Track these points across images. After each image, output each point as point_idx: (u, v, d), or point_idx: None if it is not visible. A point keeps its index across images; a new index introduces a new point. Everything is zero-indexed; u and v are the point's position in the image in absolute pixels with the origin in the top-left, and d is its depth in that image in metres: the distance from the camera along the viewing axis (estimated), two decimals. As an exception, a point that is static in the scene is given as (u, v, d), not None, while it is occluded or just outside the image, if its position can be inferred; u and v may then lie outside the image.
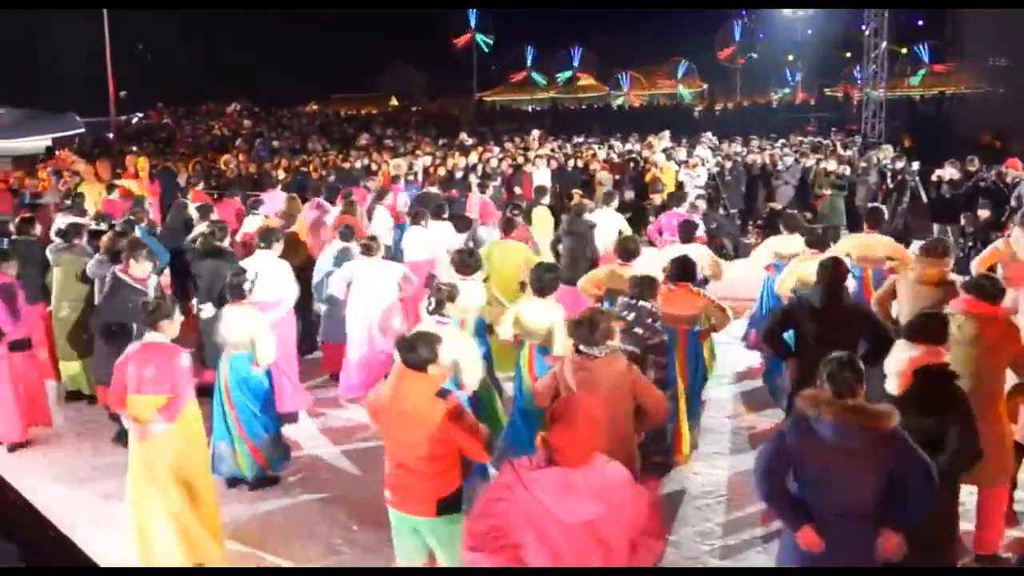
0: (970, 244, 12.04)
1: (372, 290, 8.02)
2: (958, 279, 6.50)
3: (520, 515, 3.26)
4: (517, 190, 16.01)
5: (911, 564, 3.97)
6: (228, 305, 6.51)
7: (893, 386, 4.54)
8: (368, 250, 8.11)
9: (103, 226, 9.53)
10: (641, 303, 6.04)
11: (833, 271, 6.05)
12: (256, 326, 6.41)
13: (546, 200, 11.52)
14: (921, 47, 40.47)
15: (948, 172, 13.16)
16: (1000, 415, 5.16)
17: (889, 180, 14.29)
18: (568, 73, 48.46)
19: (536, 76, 49.28)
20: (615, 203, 11.02)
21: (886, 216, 8.64)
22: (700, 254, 7.97)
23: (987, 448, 4.94)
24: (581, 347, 4.83)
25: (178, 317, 5.48)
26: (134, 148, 22.75)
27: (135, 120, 34.83)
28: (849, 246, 8.38)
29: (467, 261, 7.18)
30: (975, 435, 4.34)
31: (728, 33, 42.79)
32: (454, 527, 4.46)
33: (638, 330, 5.87)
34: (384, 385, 4.50)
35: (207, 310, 7.93)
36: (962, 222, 12.11)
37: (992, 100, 23.17)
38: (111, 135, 29.86)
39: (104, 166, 17.25)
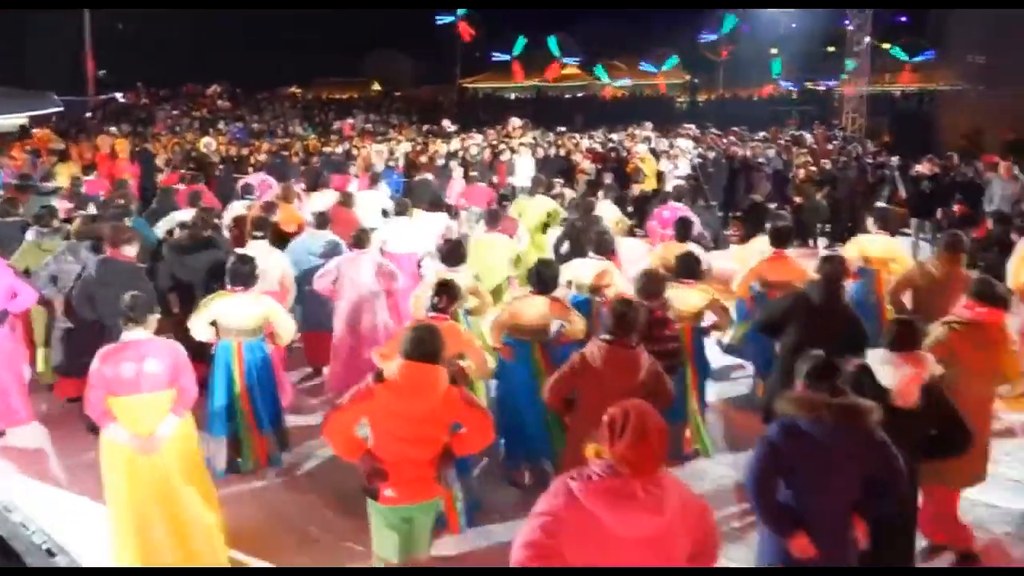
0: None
1: (361, 284, 7.92)
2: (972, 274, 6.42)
3: (573, 531, 3.01)
4: (495, 179, 15.97)
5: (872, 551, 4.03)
6: (234, 293, 6.34)
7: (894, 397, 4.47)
8: (360, 242, 8.02)
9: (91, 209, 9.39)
10: (652, 301, 5.88)
11: (832, 268, 6.00)
12: (271, 309, 6.39)
13: (540, 191, 11.40)
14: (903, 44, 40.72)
15: (926, 167, 13.27)
16: (987, 421, 5.21)
17: (869, 175, 14.38)
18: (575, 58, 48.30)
19: (519, 65, 49.11)
20: (612, 195, 11.02)
21: (891, 216, 8.55)
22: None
23: (972, 452, 4.93)
24: (616, 335, 4.91)
25: (157, 312, 5.28)
26: (112, 129, 22.46)
27: (112, 99, 34.32)
28: (858, 247, 8.28)
29: (456, 252, 7.13)
30: (970, 440, 4.40)
31: (716, 20, 42.75)
32: (431, 517, 4.53)
33: (652, 328, 5.67)
34: (383, 388, 4.19)
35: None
36: (939, 216, 12.22)
37: (971, 97, 23.34)
38: (88, 115, 29.48)
39: (87, 147, 17.09)
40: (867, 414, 3.75)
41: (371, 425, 4.28)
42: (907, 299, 6.88)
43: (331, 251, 8.48)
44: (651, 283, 5.99)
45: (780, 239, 7.55)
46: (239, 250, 7.35)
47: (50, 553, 5.34)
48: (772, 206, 14.27)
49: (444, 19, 45.23)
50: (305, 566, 5.38)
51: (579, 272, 7.51)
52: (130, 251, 7.07)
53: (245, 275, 6.37)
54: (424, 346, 4.25)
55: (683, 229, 8.16)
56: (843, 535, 3.83)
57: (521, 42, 48.32)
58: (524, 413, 6.13)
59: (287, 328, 6.50)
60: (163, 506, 4.92)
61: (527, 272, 6.57)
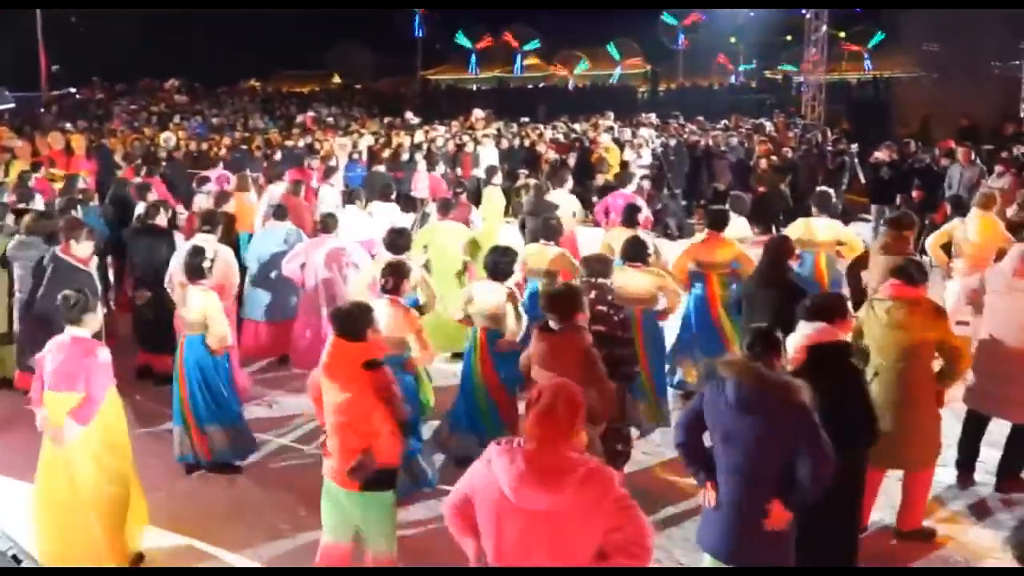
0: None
1: (323, 268, 8.04)
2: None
3: (480, 494, 3.16)
4: (459, 171, 15.95)
5: (815, 538, 4.12)
6: (189, 285, 6.36)
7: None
8: (326, 227, 8.14)
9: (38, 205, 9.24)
10: (600, 280, 5.89)
11: (776, 247, 6.31)
12: (209, 307, 6.28)
13: (497, 180, 11.46)
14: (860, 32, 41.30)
15: (885, 154, 13.51)
16: (930, 400, 5.27)
17: (829, 162, 14.59)
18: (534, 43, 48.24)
19: (476, 58, 49.06)
20: (568, 184, 11.06)
21: (833, 199, 8.74)
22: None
23: (917, 433, 5.20)
24: (547, 319, 4.98)
25: (100, 310, 5.28)
26: (67, 125, 22.04)
27: (68, 94, 33.67)
28: (797, 231, 8.44)
29: (397, 241, 7.17)
30: (869, 410, 4.42)
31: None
32: (383, 512, 4.48)
33: (602, 308, 5.74)
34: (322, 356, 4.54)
35: (141, 296, 7.86)
36: (898, 202, 12.44)
37: (926, 84, 23.78)
38: (43, 110, 28.91)
39: (41, 143, 16.79)
40: (782, 386, 3.82)
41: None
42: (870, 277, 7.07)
43: (293, 241, 8.52)
44: (597, 265, 6.03)
45: (715, 222, 7.74)
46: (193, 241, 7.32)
47: (16, 559, 5.24)
48: (735, 194, 14.47)
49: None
50: (274, 559, 5.36)
51: (533, 258, 7.66)
52: (81, 250, 6.98)
53: (194, 267, 6.36)
54: (346, 322, 4.43)
55: (630, 215, 8.29)
56: (750, 500, 3.91)
57: (483, 33, 48.30)
58: (464, 395, 6.46)
59: (218, 331, 6.29)
60: (67, 494, 4.97)
61: (484, 259, 6.70)
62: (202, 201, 10.29)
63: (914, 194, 12.21)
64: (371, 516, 4.46)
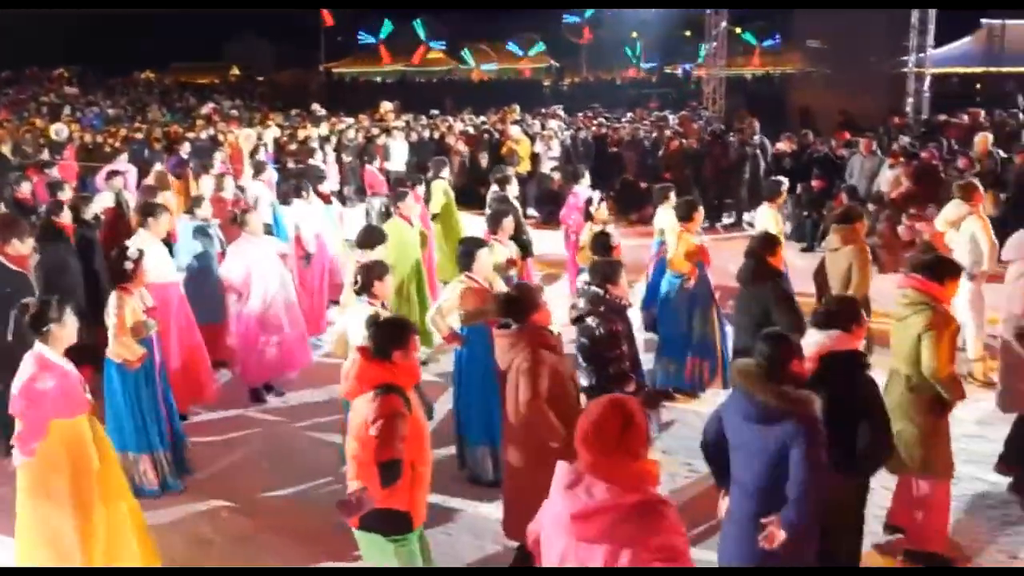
0: (805, 213, 13.01)
1: (273, 269, 7.63)
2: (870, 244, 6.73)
3: (548, 517, 2.80)
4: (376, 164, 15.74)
5: (819, 553, 3.89)
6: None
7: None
8: (244, 223, 7.60)
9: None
10: (593, 289, 5.43)
11: (760, 246, 6.22)
12: (109, 311, 5.66)
13: (444, 173, 11.26)
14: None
15: (786, 145, 14.07)
16: (917, 409, 4.84)
17: (732, 152, 15.07)
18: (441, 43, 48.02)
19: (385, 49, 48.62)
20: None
21: (783, 188, 8.92)
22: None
23: (938, 440, 4.85)
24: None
25: (71, 320, 4.55)
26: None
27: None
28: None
29: (371, 236, 7.01)
30: (886, 428, 4.15)
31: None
32: (379, 558, 3.98)
33: (590, 320, 5.28)
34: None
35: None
36: (798, 191, 12.99)
37: (816, 79, 24.85)
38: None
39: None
40: (792, 400, 3.66)
41: None
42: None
43: (206, 233, 8.18)
44: (605, 268, 5.61)
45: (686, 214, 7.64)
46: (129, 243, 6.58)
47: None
48: (643, 185, 14.87)
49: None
50: (200, 566, 5.21)
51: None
52: (22, 249, 6.38)
53: (119, 272, 5.82)
54: (375, 338, 4.06)
55: (588, 209, 8.39)
56: (748, 512, 3.77)
57: (387, 26, 47.90)
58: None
59: (115, 341, 5.67)
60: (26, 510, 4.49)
61: (456, 255, 6.35)
62: (106, 200, 9.81)
63: (814, 183, 12.76)
64: (369, 558, 4.06)
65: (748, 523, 3.75)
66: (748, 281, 6.15)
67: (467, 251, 6.16)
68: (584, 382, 5.10)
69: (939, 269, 4.95)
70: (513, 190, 10.04)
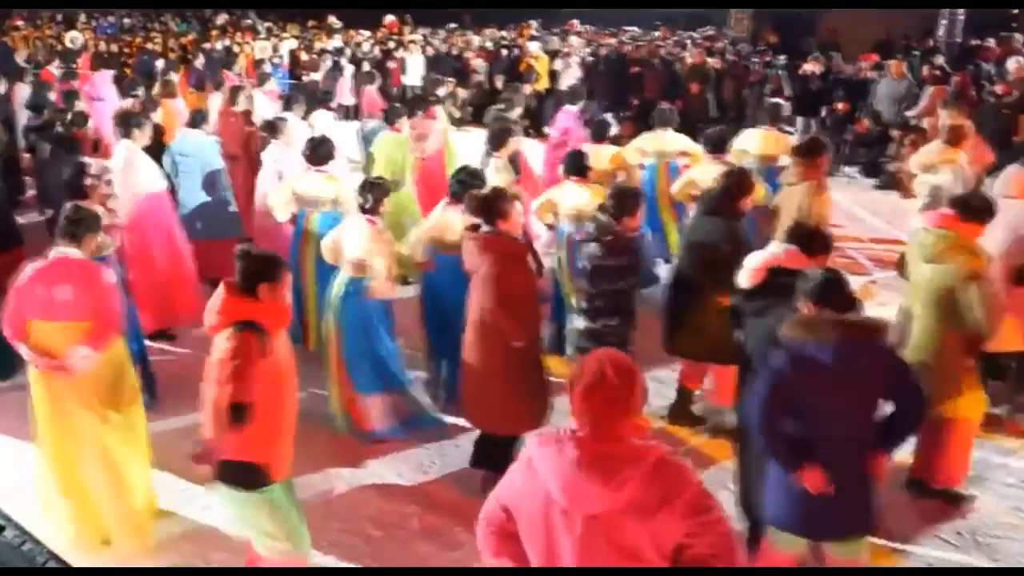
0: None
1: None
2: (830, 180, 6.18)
3: (522, 501, 2.55)
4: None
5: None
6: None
7: (744, 279, 4.30)
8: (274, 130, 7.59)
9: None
10: (600, 217, 5.21)
11: (735, 179, 5.50)
12: None
13: (442, 92, 11.04)
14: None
15: (815, 66, 13.72)
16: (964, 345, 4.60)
17: (753, 73, 14.74)
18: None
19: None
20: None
21: (784, 112, 8.67)
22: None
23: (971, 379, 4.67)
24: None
25: (107, 239, 4.59)
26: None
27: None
28: (649, 142, 8.41)
29: (319, 151, 6.68)
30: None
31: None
32: (242, 509, 3.71)
33: (592, 247, 5.15)
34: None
35: None
36: (823, 114, 12.71)
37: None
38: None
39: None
40: (879, 331, 3.52)
41: None
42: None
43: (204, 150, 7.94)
44: (623, 199, 5.27)
45: (717, 145, 7.34)
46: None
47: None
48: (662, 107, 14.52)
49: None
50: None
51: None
52: None
53: (71, 185, 5.48)
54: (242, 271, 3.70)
55: (599, 130, 8.16)
56: (859, 469, 3.54)
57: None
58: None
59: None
60: (84, 434, 4.37)
61: (451, 180, 6.09)
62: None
63: (839, 106, 12.45)
64: (231, 512, 3.86)
65: (844, 476, 3.48)
66: (711, 211, 5.48)
67: (461, 181, 5.84)
68: (577, 310, 5.32)
69: (976, 208, 4.62)
70: (517, 112, 9.74)
